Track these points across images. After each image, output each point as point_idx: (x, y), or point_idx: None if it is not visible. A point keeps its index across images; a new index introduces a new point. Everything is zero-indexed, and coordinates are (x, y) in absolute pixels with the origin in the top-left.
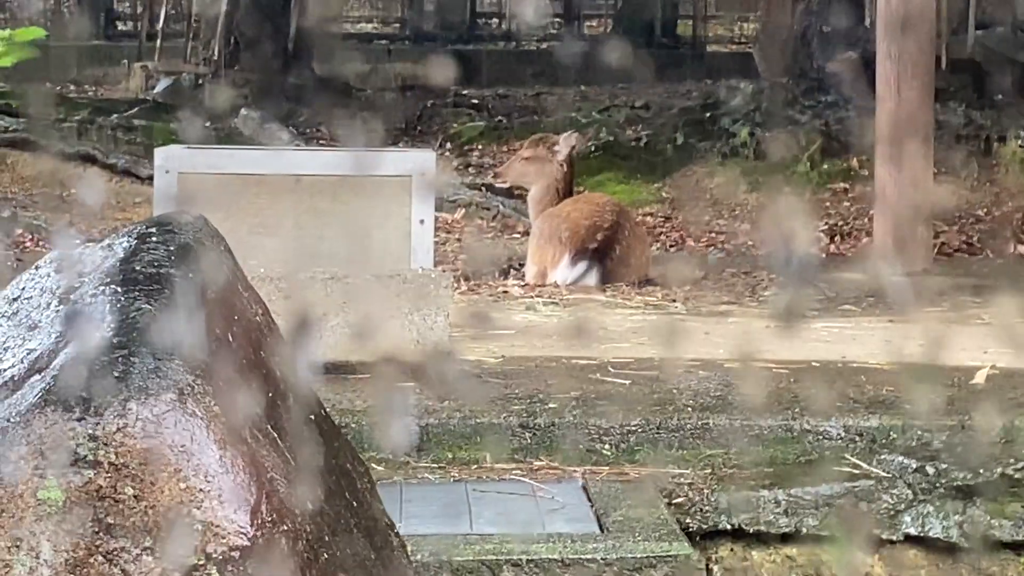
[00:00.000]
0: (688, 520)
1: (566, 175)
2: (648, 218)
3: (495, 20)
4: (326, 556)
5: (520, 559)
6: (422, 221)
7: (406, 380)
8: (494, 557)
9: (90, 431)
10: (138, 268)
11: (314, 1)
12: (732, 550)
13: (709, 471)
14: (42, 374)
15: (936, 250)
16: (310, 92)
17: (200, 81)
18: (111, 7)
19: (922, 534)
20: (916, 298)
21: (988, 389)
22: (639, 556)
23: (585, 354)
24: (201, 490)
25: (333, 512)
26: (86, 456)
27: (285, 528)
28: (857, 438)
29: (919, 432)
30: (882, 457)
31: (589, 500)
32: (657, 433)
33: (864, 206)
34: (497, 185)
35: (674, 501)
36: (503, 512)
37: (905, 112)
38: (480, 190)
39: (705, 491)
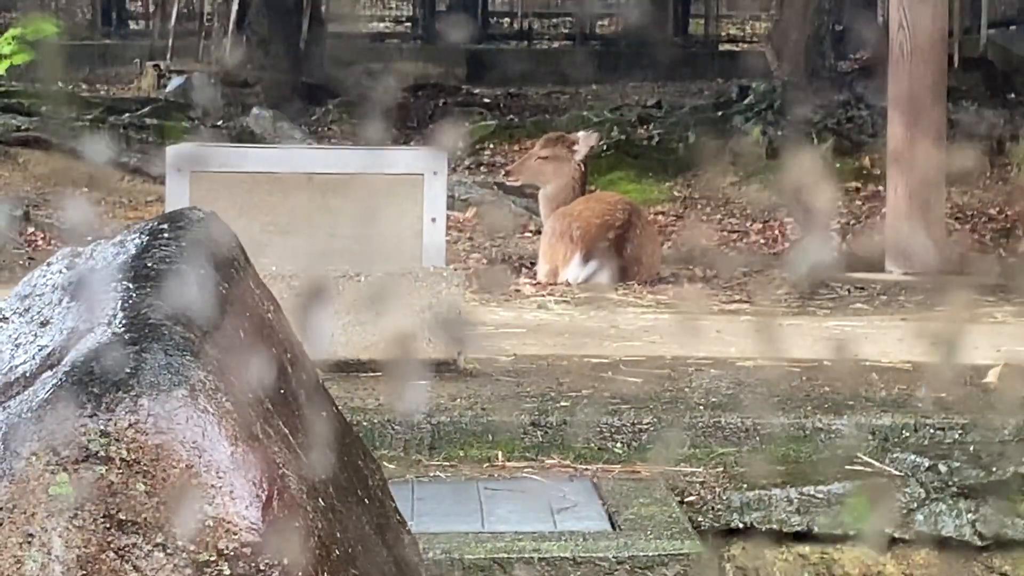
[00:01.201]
0: (700, 518)
1: (582, 174)
2: (660, 217)
3: (507, 19)
4: (338, 553)
5: (532, 557)
6: (433, 220)
7: (418, 378)
8: (506, 555)
9: (102, 427)
10: (150, 264)
11: (326, 0)
12: (744, 548)
13: (721, 469)
14: (54, 370)
15: (949, 249)
16: (322, 91)
17: (212, 80)
18: (123, 6)
19: (935, 533)
20: (928, 297)
21: (1001, 387)
22: (651, 554)
23: (597, 352)
24: (213, 486)
25: (345, 509)
26: (98, 452)
27: (297, 524)
28: (869, 436)
29: (932, 430)
30: (895, 455)
31: (601, 498)
32: (669, 431)
33: (876, 205)
34: (508, 183)
35: (686, 499)
36: (515, 510)
37: (917, 111)
38: (492, 189)
39: (717, 489)
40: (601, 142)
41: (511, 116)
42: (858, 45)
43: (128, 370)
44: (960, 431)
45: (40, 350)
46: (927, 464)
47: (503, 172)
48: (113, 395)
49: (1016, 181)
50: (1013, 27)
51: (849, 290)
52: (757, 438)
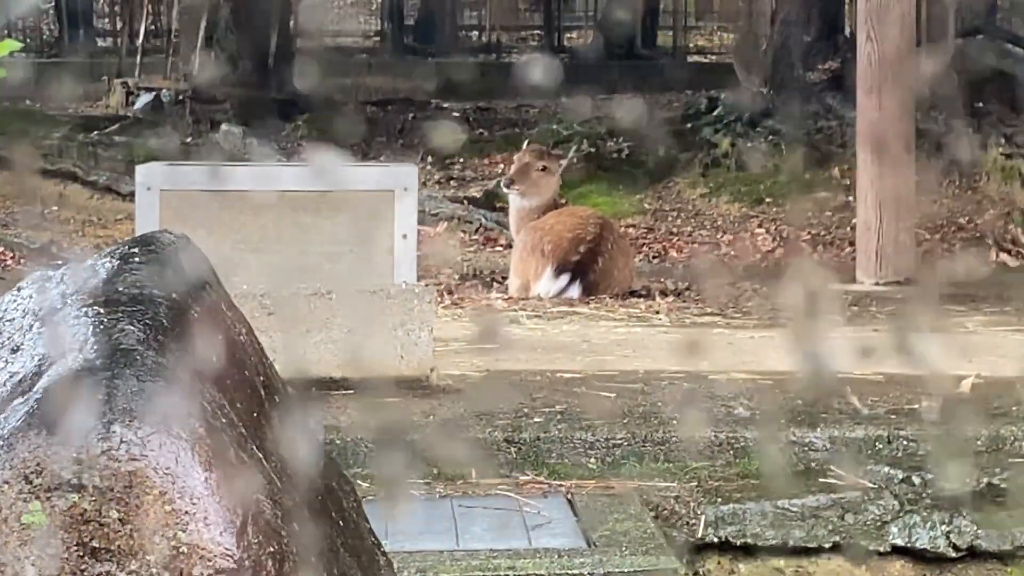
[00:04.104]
0: (675, 533)
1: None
2: (631, 229)
3: (476, 32)
4: None
5: (507, 575)
6: (405, 235)
7: (391, 396)
8: (481, 573)
9: (74, 454)
10: (121, 289)
11: (294, 15)
12: (719, 563)
13: (695, 484)
14: (25, 397)
15: (919, 259)
16: (291, 107)
17: (180, 97)
18: (90, 23)
19: (909, 544)
20: (899, 307)
21: (973, 398)
22: (626, 570)
23: (570, 367)
24: (187, 512)
25: (320, 532)
26: (70, 480)
27: (272, 549)
28: (843, 449)
29: (905, 442)
30: (868, 468)
31: (575, 514)
32: (643, 446)
33: (846, 215)
34: (511, 193)
35: (660, 514)
36: (489, 528)
37: (886, 121)
38: (462, 203)
39: (691, 504)
40: (575, 154)
41: (480, 130)
42: (826, 56)
43: (100, 396)
44: (933, 442)
45: (11, 376)
46: (901, 476)
47: (505, 180)
48: (85, 422)
49: (985, 190)
50: (980, 36)
51: (822, 301)
52: (731, 452)
